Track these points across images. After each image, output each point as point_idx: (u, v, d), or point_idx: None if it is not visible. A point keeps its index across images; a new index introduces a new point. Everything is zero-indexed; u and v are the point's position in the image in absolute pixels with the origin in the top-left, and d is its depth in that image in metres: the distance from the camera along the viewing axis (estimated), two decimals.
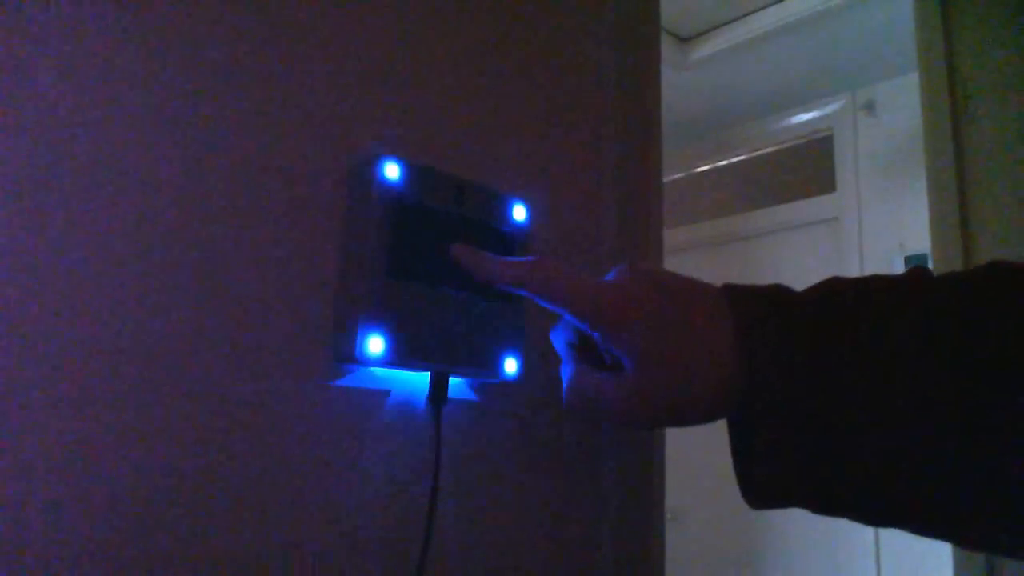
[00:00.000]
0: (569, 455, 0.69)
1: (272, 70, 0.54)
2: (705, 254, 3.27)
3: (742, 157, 3.30)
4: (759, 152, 3.24)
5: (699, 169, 3.44)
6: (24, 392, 0.42)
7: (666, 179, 3.57)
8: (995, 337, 0.39)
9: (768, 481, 0.45)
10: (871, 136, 2.82)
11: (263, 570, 0.49)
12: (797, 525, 2.77)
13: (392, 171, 0.55)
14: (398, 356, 0.54)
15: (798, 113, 3.05)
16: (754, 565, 2.87)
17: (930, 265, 2.04)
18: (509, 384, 0.64)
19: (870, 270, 2.71)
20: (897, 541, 2.49)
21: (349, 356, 0.53)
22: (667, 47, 2.66)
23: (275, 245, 0.53)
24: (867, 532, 2.55)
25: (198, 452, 0.47)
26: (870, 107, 2.82)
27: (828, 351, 0.42)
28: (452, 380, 0.60)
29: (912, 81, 2.64)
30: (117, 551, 0.44)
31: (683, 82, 2.87)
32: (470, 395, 0.62)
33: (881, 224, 2.72)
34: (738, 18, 2.61)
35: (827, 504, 0.44)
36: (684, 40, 2.76)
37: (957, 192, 1.35)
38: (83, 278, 0.44)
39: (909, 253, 2.57)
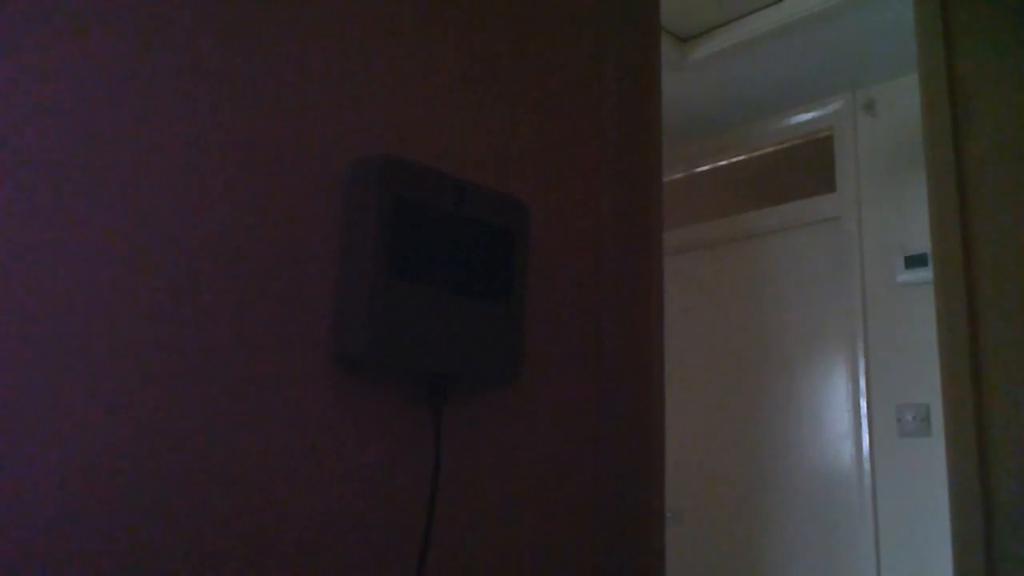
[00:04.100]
0: (569, 455, 0.69)
1: (273, 71, 0.54)
2: (705, 254, 3.27)
3: (742, 157, 3.30)
4: (759, 152, 3.24)
5: (699, 169, 3.43)
6: (24, 393, 0.42)
7: (666, 179, 3.57)
8: None
9: None
10: (871, 136, 2.81)
11: (262, 569, 0.49)
12: (797, 525, 2.77)
13: (392, 171, 0.55)
14: (397, 357, 0.54)
15: (798, 113, 3.04)
16: (754, 565, 2.87)
17: (930, 265, 2.04)
18: (509, 385, 0.64)
19: (870, 270, 2.70)
20: (897, 541, 2.49)
21: (349, 356, 0.53)
22: (667, 47, 2.66)
23: (275, 246, 0.53)
24: (867, 532, 2.55)
25: (198, 453, 0.47)
26: (870, 107, 2.82)
27: None
28: (452, 381, 0.60)
29: (912, 81, 2.63)
30: (114, 549, 0.44)
31: (683, 82, 2.87)
32: (470, 395, 0.62)
33: (881, 224, 2.72)
34: (738, 18, 2.61)
35: None
36: (684, 40, 2.76)
37: (957, 192, 1.34)
38: (81, 279, 0.44)
39: (909, 253, 2.57)
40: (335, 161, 0.56)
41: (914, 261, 2.54)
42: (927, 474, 2.44)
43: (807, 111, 3.03)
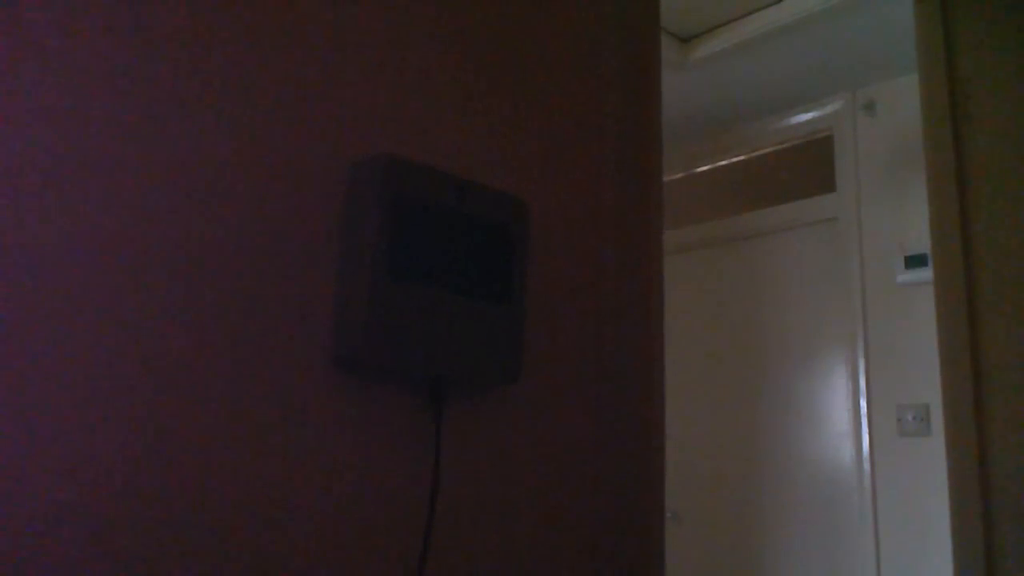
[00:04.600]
0: (569, 455, 0.69)
1: (273, 70, 0.54)
2: (705, 254, 3.27)
3: (742, 157, 3.30)
4: (759, 152, 3.24)
5: (699, 169, 3.43)
6: (23, 394, 0.42)
7: (666, 179, 3.56)
8: None
9: None
10: (871, 136, 2.82)
11: (263, 569, 0.49)
12: (797, 525, 2.77)
13: (393, 171, 0.55)
14: (397, 358, 0.54)
15: (798, 113, 3.05)
16: (754, 565, 2.87)
17: (930, 265, 2.04)
18: (509, 384, 0.64)
19: (870, 270, 2.71)
20: (897, 541, 2.49)
21: (349, 357, 0.53)
22: (667, 47, 2.66)
23: (275, 246, 0.53)
24: (867, 532, 2.55)
25: (197, 453, 0.47)
26: (870, 107, 2.82)
27: None
28: (452, 381, 0.60)
29: (912, 81, 2.63)
30: (113, 550, 0.44)
31: (683, 82, 2.87)
32: (470, 395, 0.62)
33: (881, 224, 2.72)
34: (738, 18, 2.61)
35: None
36: (684, 40, 2.76)
37: (957, 192, 1.35)
38: (80, 280, 0.44)
39: (909, 253, 2.57)
40: (336, 161, 0.56)
41: (914, 261, 2.54)
42: (927, 474, 2.44)
43: (807, 111, 3.03)
